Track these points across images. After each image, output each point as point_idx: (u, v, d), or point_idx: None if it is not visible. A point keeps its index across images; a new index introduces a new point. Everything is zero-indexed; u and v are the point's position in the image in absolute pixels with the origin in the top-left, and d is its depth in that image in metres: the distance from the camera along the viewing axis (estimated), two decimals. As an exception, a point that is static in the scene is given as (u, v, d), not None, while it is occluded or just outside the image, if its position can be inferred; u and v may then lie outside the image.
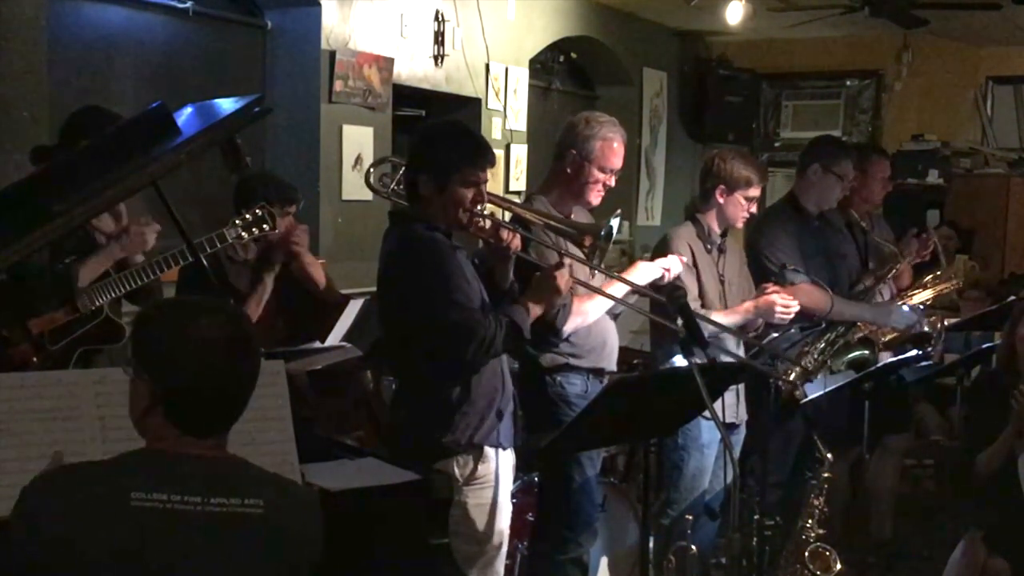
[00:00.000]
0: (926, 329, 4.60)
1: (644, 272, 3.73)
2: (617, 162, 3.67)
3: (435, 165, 3.08)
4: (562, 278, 3.16)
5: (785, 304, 3.91)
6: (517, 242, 3.17)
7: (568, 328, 3.55)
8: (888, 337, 4.59)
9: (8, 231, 2.58)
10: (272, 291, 3.76)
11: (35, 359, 3.19)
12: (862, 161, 4.82)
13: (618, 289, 3.60)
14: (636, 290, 3.66)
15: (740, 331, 4.05)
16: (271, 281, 3.70)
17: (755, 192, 4.02)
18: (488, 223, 3.13)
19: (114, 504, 1.82)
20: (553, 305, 3.24)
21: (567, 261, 3.27)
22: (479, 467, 3.15)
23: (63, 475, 1.90)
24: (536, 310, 3.15)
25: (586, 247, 3.32)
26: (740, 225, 4.14)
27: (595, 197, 3.69)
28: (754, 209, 4.08)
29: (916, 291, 4.86)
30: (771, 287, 4.00)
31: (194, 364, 1.89)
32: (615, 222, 3.34)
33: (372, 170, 3.47)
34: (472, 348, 2.99)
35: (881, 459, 4.94)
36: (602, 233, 3.30)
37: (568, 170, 3.67)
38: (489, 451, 3.17)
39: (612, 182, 3.70)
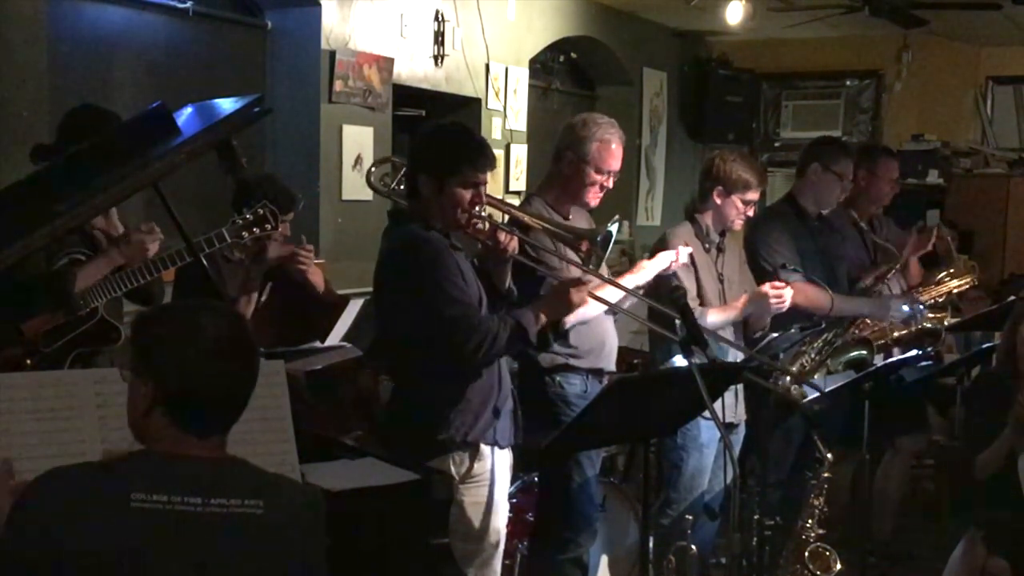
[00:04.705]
0: (936, 325, 4.61)
1: (649, 269, 3.72)
2: (615, 164, 3.66)
3: (435, 166, 3.09)
4: (579, 293, 3.14)
5: (778, 293, 3.91)
6: (515, 245, 3.17)
7: (570, 322, 3.55)
8: (899, 333, 4.58)
9: (8, 231, 2.58)
10: (272, 291, 3.76)
11: (28, 362, 3.18)
12: (870, 161, 4.82)
13: (616, 293, 3.60)
14: (636, 296, 3.66)
15: (742, 331, 4.07)
16: (258, 279, 3.69)
17: (753, 196, 4.01)
18: (486, 225, 3.14)
19: (114, 505, 1.82)
20: (563, 317, 3.24)
21: (588, 277, 3.26)
22: (475, 465, 3.15)
23: (63, 476, 1.89)
24: (545, 319, 3.14)
25: (582, 252, 3.32)
26: (737, 227, 4.14)
27: (593, 198, 3.69)
28: (751, 212, 4.08)
29: (928, 288, 4.86)
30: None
31: (197, 366, 1.90)
32: (613, 228, 3.34)
33: (373, 169, 3.47)
34: (471, 344, 2.99)
35: (891, 460, 4.93)
36: (599, 239, 3.30)
37: (566, 171, 3.67)
38: (485, 449, 3.17)
39: (610, 183, 3.70)
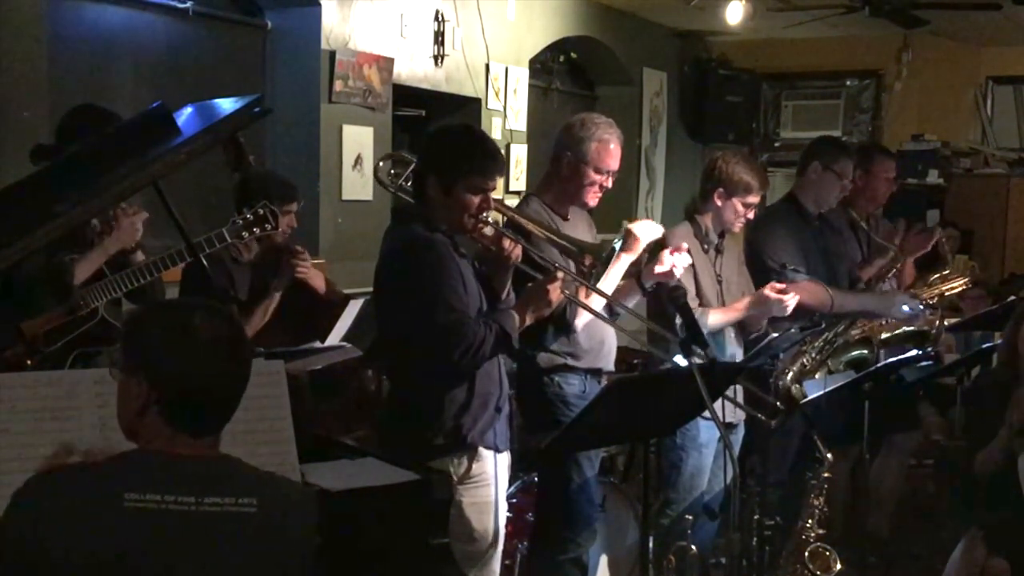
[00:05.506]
0: (926, 327, 4.60)
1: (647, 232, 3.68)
2: (613, 163, 3.65)
3: (444, 169, 3.08)
4: (554, 291, 3.14)
5: (780, 297, 3.91)
6: (518, 252, 3.16)
7: (579, 322, 3.55)
8: (887, 335, 4.58)
9: (8, 231, 2.58)
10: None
11: (28, 362, 3.18)
12: (867, 160, 4.82)
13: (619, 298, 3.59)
14: (637, 316, 3.67)
15: (740, 330, 4.08)
16: (278, 295, 3.72)
17: (754, 199, 4.01)
18: (491, 230, 3.13)
19: (108, 505, 1.82)
20: (543, 314, 3.23)
21: (560, 273, 3.25)
22: (474, 466, 3.15)
23: (56, 476, 1.89)
24: (528, 319, 3.14)
25: (585, 266, 3.31)
26: (736, 230, 4.14)
27: (591, 198, 3.68)
28: (751, 215, 4.08)
29: (922, 290, 4.85)
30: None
31: (189, 364, 1.89)
32: (617, 244, 3.33)
33: (381, 164, 3.46)
34: (459, 351, 2.99)
35: (886, 458, 4.93)
36: (603, 255, 3.29)
37: (564, 171, 3.66)
38: (484, 451, 3.17)
39: (609, 183, 3.69)
